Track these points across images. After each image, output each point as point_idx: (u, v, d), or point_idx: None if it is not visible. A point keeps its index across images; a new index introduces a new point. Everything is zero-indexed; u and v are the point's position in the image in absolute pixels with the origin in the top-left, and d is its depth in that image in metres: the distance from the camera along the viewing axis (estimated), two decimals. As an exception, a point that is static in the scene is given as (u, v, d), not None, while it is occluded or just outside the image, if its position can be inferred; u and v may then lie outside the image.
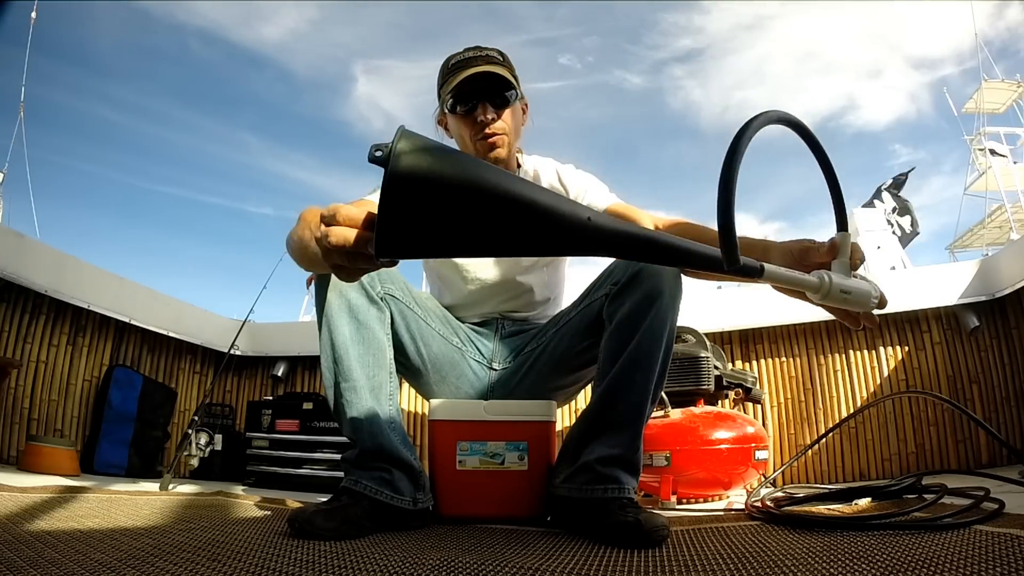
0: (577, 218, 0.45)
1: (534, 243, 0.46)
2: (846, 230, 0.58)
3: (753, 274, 0.47)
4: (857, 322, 0.62)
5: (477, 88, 1.11)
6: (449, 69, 1.14)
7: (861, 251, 0.61)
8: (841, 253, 0.58)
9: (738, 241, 0.44)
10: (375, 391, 1.02)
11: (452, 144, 1.21)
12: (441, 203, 0.43)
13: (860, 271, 0.61)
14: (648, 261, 0.48)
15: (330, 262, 0.50)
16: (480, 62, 1.12)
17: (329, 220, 0.48)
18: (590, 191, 1.20)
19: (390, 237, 0.43)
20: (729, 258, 0.44)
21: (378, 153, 0.43)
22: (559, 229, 0.45)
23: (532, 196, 0.45)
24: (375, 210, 0.44)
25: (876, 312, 0.58)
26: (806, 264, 0.65)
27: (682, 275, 0.98)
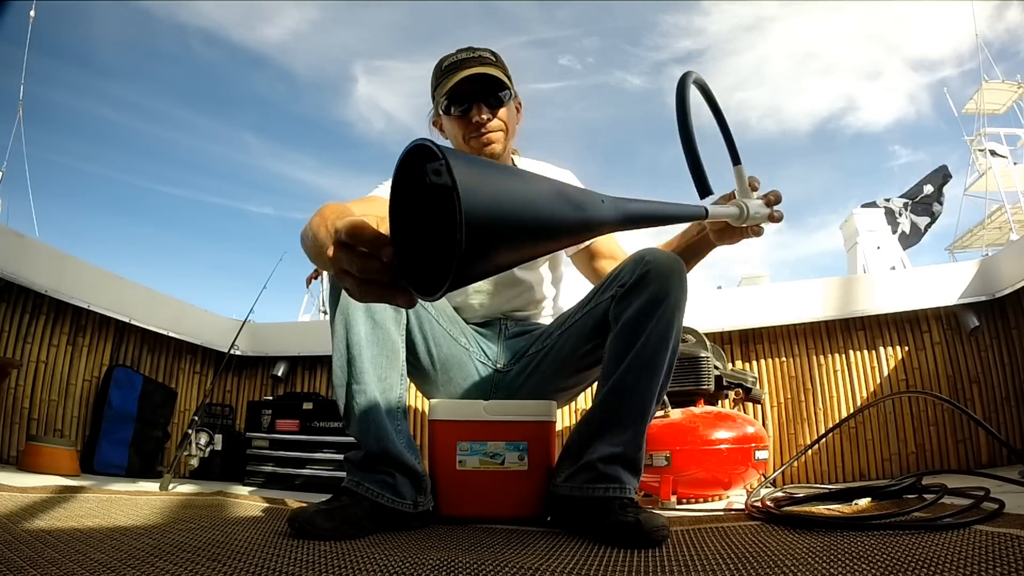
0: (595, 202, 0.47)
1: (567, 233, 0.46)
2: (739, 163, 0.79)
3: (700, 217, 0.61)
4: (758, 231, 0.81)
5: (471, 89, 1.12)
6: (443, 71, 1.14)
7: (756, 179, 0.81)
8: (739, 182, 0.79)
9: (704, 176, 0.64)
10: (385, 394, 1.02)
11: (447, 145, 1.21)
12: (503, 221, 0.40)
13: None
14: (646, 227, 0.55)
15: (356, 296, 0.46)
16: (473, 63, 1.12)
17: (351, 239, 0.44)
18: None
19: (465, 272, 0.38)
20: (702, 190, 0.62)
21: (437, 178, 0.38)
22: (584, 214, 0.46)
23: (561, 190, 0.45)
24: (385, 208, 0.44)
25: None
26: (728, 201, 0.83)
27: (686, 274, 0.99)
